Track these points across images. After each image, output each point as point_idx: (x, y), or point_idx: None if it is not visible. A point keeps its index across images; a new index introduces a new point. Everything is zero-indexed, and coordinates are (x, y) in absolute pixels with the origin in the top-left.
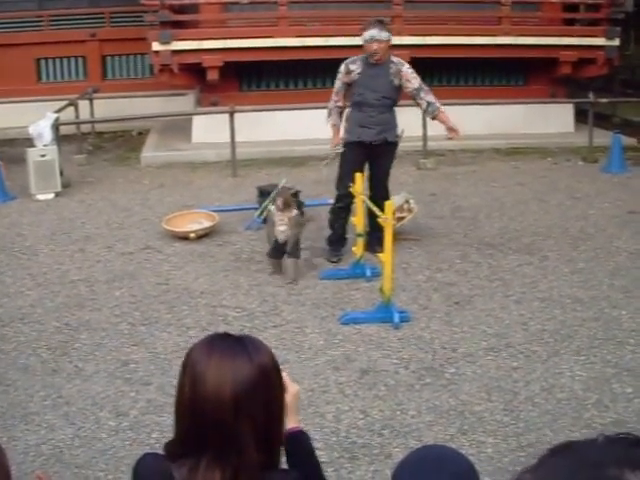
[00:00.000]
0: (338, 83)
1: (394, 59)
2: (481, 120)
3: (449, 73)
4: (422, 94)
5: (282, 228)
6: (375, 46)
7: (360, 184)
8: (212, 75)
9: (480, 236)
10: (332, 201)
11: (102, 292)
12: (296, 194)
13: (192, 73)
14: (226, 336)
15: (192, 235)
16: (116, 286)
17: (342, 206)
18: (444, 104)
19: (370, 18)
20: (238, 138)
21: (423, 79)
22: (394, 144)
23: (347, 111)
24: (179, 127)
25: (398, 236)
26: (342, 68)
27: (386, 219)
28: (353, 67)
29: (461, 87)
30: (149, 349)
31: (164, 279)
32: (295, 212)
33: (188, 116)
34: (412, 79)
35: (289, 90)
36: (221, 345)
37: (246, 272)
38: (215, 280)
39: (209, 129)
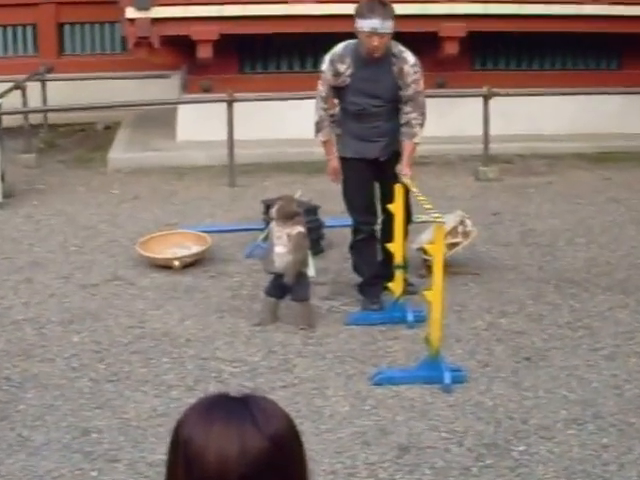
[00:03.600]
0: (324, 88)
1: (394, 49)
2: (560, 116)
3: (518, 53)
4: (410, 106)
5: (279, 249)
6: (376, 42)
7: (400, 199)
8: (204, 52)
9: (559, 270)
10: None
11: (55, 337)
12: (314, 210)
13: (178, 49)
14: (226, 399)
15: (176, 263)
16: (74, 329)
17: (364, 238)
18: (510, 94)
19: None
20: (237, 135)
21: (483, 60)
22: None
23: (337, 117)
24: (159, 120)
25: (450, 268)
26: (326, 67)
27: (439, 227)
28: (342, 67)
29: (533, 72)
30: (117, 414)
31: (138, 321)
32: (299, 228)
33: (172, 105)
34: (412, 82)
35: (305, 73)
36: (221, 412)
37: (247, 313)
38: (206, 324)
39: (199, 123)
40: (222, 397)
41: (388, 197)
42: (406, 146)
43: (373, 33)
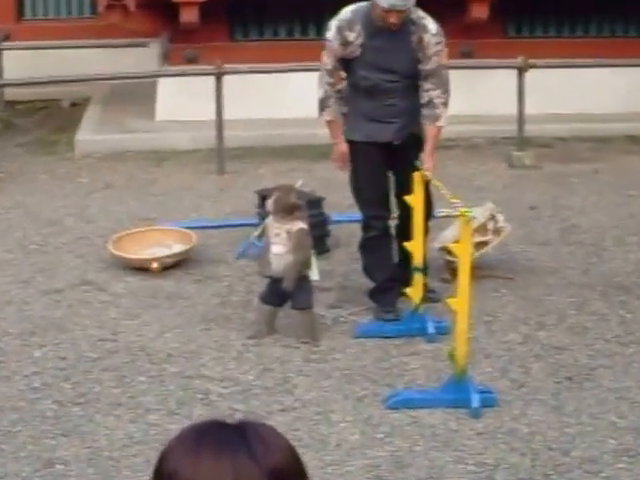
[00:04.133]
0: (329, 60)
1: (413, 15)
2: (609, 92)
3: (558, 18)
4: (432, 82)
5: (277, 249)
6: (394, 19)
7: (419, 190)
8: (188, 16)
9: (607, 274)
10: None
11: (13, 351)
12: (318, 202)
13: (157, 12)
14: (218, 426)
15: (155, 265)
16: (35, 342)
17: (376, 235)
18: (549, 66)
19: None
20: (227, 114)
21: (518, 25)
22: (422, 136)
23: (344, 93)
24: (135, 96)
25: (479, 272)
26: (333, 35)
27: (466, 222)
28: (351, 35)
29: (576, 40)
30: (86, 442)
31: (110, 333)
32: (300, 224)
33: (150, 79)
34: (433, 54)
35: (307, 41)
36: (212, 442)
37: (239, 324)
38: (190, 336)
39: (182, 99)
40: (214, 424)
41: (404, 187)
42: (429, 131)
43: (393, 9)
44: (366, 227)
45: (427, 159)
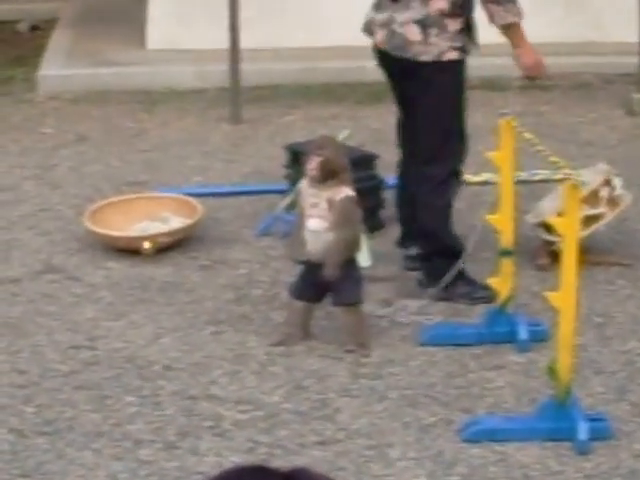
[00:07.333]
0: None
1: None
2: None
3: None
4: None
5: (314, 224)
6: None
7: (509, 139)
8: None
9: None
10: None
11: None
12: (369, 161)
13: None
14: (262, 476)
15: (147, 245)
16: None
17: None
18: None
19: None
20: (245, 41)
21: None
22: None
23: None
24: (118, 16)
25: (589, 257)
26: None
27: (573, 189)
28: None
29: None
30: None
31: (86, 338)
32: (346, 191)
33: None
34: None
35: None
36: None
37: (262, 325)
38: (195, 342)
39: (183, 21)
40: (255, 473)
41: None
42: (512, 29)
43: None
44: (452, 182)
45: (529, 58)
